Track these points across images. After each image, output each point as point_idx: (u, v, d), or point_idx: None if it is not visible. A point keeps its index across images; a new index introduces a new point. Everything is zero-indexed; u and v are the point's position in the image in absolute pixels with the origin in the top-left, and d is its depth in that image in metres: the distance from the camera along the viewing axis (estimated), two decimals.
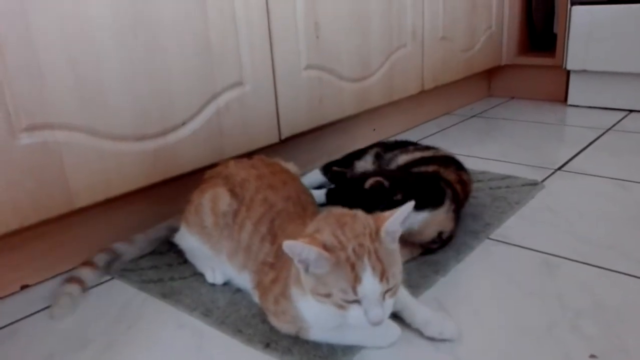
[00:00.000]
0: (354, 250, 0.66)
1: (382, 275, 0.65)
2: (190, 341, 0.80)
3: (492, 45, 2.10)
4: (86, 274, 0.97)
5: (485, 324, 0.79)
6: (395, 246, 0.70)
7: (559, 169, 1.40)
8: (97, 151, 0.95)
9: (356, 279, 0.65)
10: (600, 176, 1.33)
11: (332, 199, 1.22)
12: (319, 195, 1.23)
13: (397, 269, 0.68)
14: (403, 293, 0.80)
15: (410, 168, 1.10)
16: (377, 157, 1.23)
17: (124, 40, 0.95)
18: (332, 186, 1.27)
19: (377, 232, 0.68)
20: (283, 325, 0.78)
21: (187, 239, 0.97)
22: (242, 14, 1.14)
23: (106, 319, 0.87)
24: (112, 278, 1.00)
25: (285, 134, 1.31)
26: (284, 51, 1.25)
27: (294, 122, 1.32)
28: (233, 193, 0.91)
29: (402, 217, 0.68)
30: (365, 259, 0.65)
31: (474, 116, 2.03)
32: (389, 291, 0.67)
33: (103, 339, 0.82)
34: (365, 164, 1.25)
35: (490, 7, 2.03)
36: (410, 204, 0.69)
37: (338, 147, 1.55)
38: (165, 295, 0.92)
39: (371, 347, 0.75)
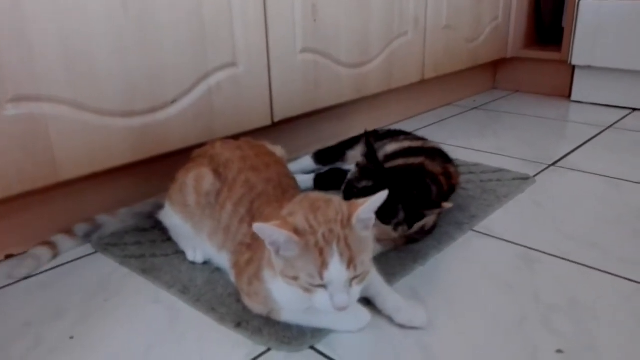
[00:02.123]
0: (323, 236, 0.66)
1: (350, 262, 0.66)
2: (164, 317, 0.81)
3: (498, 37, 2.07)
4: (62, 240, 0.99)
5: (457, 314, 0.80)
6: (367, 234, 0.70)
7: (553, 164, 1.39)
8: (84, 125, 0.96)
9: (323, 264, 0.65)
10: (594, 173, 1.32)
11: (320, 184, 1.23)
12: (308, 179, 1.24)
13: (366, 257, 0.68)
14: (376, 280, 0.81)
15: (397, 158, 1.09)
16: None
17: (114, 15, 0.95)
18: (321, 171, 1.27)
19: (349, 218, 0.68)
20: (255, 306, 0.78)
21: (171, 217, 0.98)
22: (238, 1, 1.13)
23: (85, 291, 0.88)
24: (96, 252, 1.01)
25: (279, 117, 1.30)
26: (280, 33, 1.24)
27: (288, 105, 1.32)
28: (217, 173, 0.92)
29: (374, 206, 0.68)
30: (334, 245, 0.65)
31: (475, 108, 2.01)
32: (356, 278, 0.68)
33: (79, 310, 0.83)
34: (356, 154, 1.24)
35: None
36: (384, 193, 0.68)
37: (334, 134, 1.55)
38: (145, 271, 0.93)
39: (341, 331, 0.76)
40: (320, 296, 0.67)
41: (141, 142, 1.05)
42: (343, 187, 1.00)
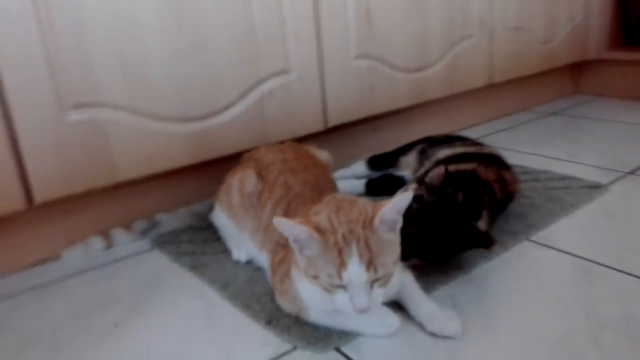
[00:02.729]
0: (343, 236, 0.65)
1: (370, 264, 0.64)
2: (203, 311, 0.84)
3: (577, 38, 1.94)
4: (118, 233, 1.07)
5: (496, 326, 0.75)
6: (392, 236, 0.69)
7: (631, 173, 1.27)
8: (141, 129, 1.02)
9: (342, 264, 0.64)
10: None
11: (372, 190, 1.22)
12: (359, 185, 1.23)
13: (388, 259, 0.66)
14: (411, 285, 0.78)
15: (449, 163, 1.05)
16: (422, 153, 1.20)
17: (169, 27, 1.01)
18: (373, 177, 1.25)
19: (372, 219, 0.66)
20: (286, 305, 0.79)
21: (218, 216, 1.02)
22: (288, 1, 1.16)
23: (137, 283, 0.94)
24: (153, 248, 1.07)
25: (332, 122, 1.31)
26: (332, 40, 1.25)
27: (342, 111, 1.32)
28: (260, 175, 0.94)
29: (398, 207, 0.67)
30: (354, 246, 0.64)
31: (553, 114, 1.89)
32: (377, 280, 0.66)
33: (128, 301, 0.88)
34: (409, 161, 1.22)
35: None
36: (409, 194, 0.67)
37: (392, 140, 1.51)
38: (194, 268, 0.97)
39: (368, 335, 0.74)
40: (340, 297, 0.66)
41: (196, 146, 1.10)
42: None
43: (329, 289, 0.66)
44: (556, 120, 1.81)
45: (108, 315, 0.84)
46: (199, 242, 1.07)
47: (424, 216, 0.83)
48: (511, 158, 1.40)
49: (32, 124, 0.90)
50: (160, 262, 1.01)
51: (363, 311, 0.65)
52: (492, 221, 0.96)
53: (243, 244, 0.97)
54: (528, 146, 1.53)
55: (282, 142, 1.04)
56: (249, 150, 1.05)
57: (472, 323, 0.75)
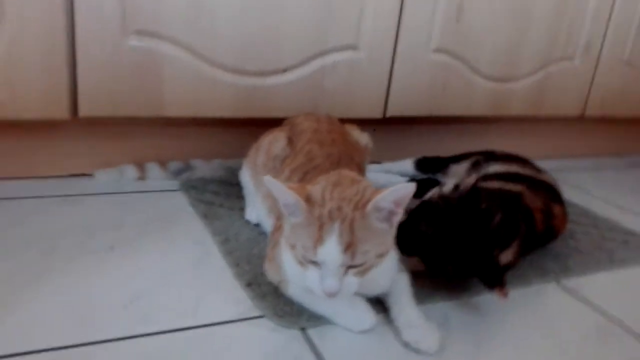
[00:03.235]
0: (329, 211, 0.61)
1: (348, 247, 0.60)
2: (195, 257, 0.84)
3: None
4: (153, 168, 1.10)
5: (479, 356, 0.67)
6: (385, 227, 0.64)
7: None
8: (195, 71, 1.03)
9: (319, 240, 0.60)
10: None
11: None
12: (399, 182, 1.17)
13: (372, 249, 0.62)
14: (402, 289, 0.73)
15: (495, 179, 0.97)
16: (475, 164, 1.11)
17: None
18: (417, 178, 1.19)
19: (366, 203, 0.62)
20: (270, 272, 0.76)
21: (243, 173, 1.01)
22: None
23: (149, 217, 0.96)
24: (178, 190, 1.09)
25: (392, 112, 1.25)
26: (414, 26, 1.19)
27: (406, 103, 1.26)
28: (290, 140, 0.92)
29: (396, 197, 0.61)
30: (337, 224, 0.60)
31: None
32: (354, 267, 0.62)
33: (133, 229, 0.90)
34: (459, 170, 1.14)
35: None
36: (412, 185, 0.61)
37: (459, 149, 1.42)
38: (205, 216, 0.97)
39: (341, 326, 0.69)
40: (312, 273, 0.63)
41: (246, 101, 1.10)
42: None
43: (303, 262, 0.63)
44: None
45: (109, 237, 0.87)
46: (221, 195, 1.07)
47: (444, 220, 0.77)
48: (577, 198, 1.28)
49: (92, 40, 0.94)
50: (179, 203, 1.03)
51: (331, 295, 0.61)
52: (522, 254, 0.87)
53: (257, 205, 0.95)
54: (603, 191, 1.37)
55: (342, 122, 1.00)
56: None
57: (455, 348, 0.69)
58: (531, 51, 1.36)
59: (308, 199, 0.62)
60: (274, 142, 0.93)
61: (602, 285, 0.89)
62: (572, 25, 1.38)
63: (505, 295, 0.72)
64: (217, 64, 1.05)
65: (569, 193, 1.32)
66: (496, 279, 0.74)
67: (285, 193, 0.62)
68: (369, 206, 0.61)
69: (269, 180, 0.62)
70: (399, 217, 0.64)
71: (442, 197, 0.81)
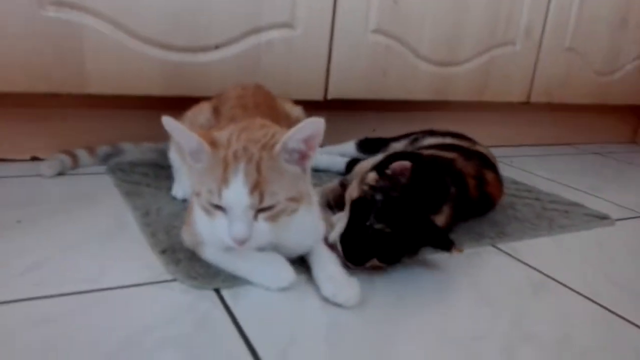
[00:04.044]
0: (234, 152, 0.57)
1: (255, 187, 0.56)
2: (109, 229, 0.78)
3: None
4: (83, 154, 1.03)
5: (402, 311, 0.64)
6: (296, 169, 0.60)
7: None
8: (119, 45, 0.99)
9: (224, 181, 0.56)
10: None
11: (351, 170, 1.12)
12: (340, 162, 1.14)
13: (281, 190, 0.58)
14: (323, 248, 0.69)
15: (429, 149, 0.94)
16: (413, 140, 1.09)
17: None
18: (357, 157, 1.16)
19: (274, 143, 0.58)
20: (185, 236, 0.71)
21: (170, 150, 0.96)
22: None
23: (68, 196, 0.90)
24: (104, 173, 1.03)
25: (333, 95, 1.23)
26: (350, 6, 1.17)
27: (347, 85, 1.24)
28: (216, 110, 0.88)
29: (304, 135, 0.58)
30: (242, 164, 0.56)
31: (597, 153, 1.71)
32: (263, 211, 0.57)
33: (47, 207, 0.84)
34: (399, 146, 1.12)
35: None
36: (319, 120, 0.58)
37: (397, 131, 1.40)
38: (128, 194, 0.92)
39: (259, 285, 0.65)
40: (219, 220, 0.58)
41: (176, 78, 1.06)
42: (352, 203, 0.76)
43: (209, 209, 0.59)
44: (597, 159, 1.63)
45: (20, 213, 0.80)
46: (150, 176, 1.02)
47: (390, 211, 0.71)
48: (522, 177, 1.27)
49: (5, 10, 0.89)
50: (102, 184, 0.97)
51: (240, 241, 0.57)
52: (456, 218, 0.84)
53: (183, 181, 0.91)
54: (551, 174, 1.37)
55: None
56: None
57: (377, 302, 0.65)
58: (472, 35, 1.36)
59: (213, 143, 0.58)
60: (198, 113, 0.90)
61: (539, 248, 0.87)
62: (512, 9, 1.39)
63: (461, 250, 0.70)
64: (142, 37, 1.00)
65: (514, 173, 1.33)
66: (447, 241, 0.71)
67: (188, 136, 0.58)
68: (277, 146, 0.57)
69: (167, 120, 0.58)
70: (311, 160, 0.61)
71: (380, 189, 0.74)
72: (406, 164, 0.71)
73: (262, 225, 0.58)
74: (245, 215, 0.57)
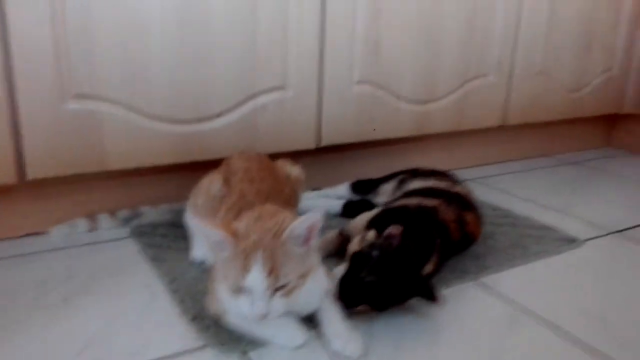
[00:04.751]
0: (253, 242, 0.70)
1: (271, 271, 0.69)
2: (143, 300, 0.91)
3: (611, 90, 1.88)
4: (103, 218, 1.17)
5: (398, 357, 0.77)
6: (303, 250, 0.73)
7: (618, 232, 1.23)
8: (133, 125, 1.11)
9: (246, 268, 0.69)
10: None
11: (348, 212, 1.25)
12: (337, 205, 1.27)
13: (292, 271, 0.71)
14: (329, 306, 0.82)
15: (414, 196, 1.07)
16: (401, 182, 1.22)
17: (170, 31, 1.10)
18: (351, 200, 1.29)
19: (283, 232, 0.71)
20: (210, 305, 0.84)
21: (187, 215, 1.09)
22: (295, 26, 1.22)
23: (100, 265, 1.02)
24: (130, 236, 1.15)
25: (325, 142, 1.35)
26: (335, 63, 1.30)
27: (337, 133, 1.36)
28: (226, 180, 1.00)
29: (307, 225, 0.71)
30: (259, 253, 0.69)
31: (574, 163, 1.84)
32: (279, 290, 0.70)
33: (85, 280, 0.97)
34: (388, 188, 1.24)
35: (613, 49, 1.82)
36: (318, 214, 0.70)
37: (389, 168, 1.53)
38: (154, 259, 1.04)
39: (278, 345, 0.78)
40: (243, 301, 0.71)
41: (184, 147, 1.18)
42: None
43: (235, 291, 0.71)
44: (574, 170, 1.77)
45: (61, 291, 0.93)
46: (170, 237, 1.14)
47: (383, 267, 0.84)
48: (500, 201, 1.40)
49: (34, 107, 1.01)
50: (128, 250, 1.10)
51: (260, 317, 0.70)
52: (442, 262, 0.97)
53: (201, 245, 1.03)
54: (528, 192, 1.50)
55: (278, 157, 1.10)
56: None
57: (377, 350, 0.78)
58: (447, 73, 1.49)
59: (234, 234, 0.71)
60: (211, 183, 1.02)
61: (516, 279, 1.00)
62: (483, 43, 1.52)
63: (442, 301, 0.83)
64: (154, 116, 1.13)
65: (493, 197, 1.45)
66: (432, 292, 0.84)
67: (212, 233, 0.71)
68: (284, 234, 0.70)
69: (196, 224, 0.71)
70: (314, 240, 0.74)
71: (376, 245, 0.86)
72: (396, 230, 0.84)
73: (278, 301, 0.71)
74: (264, 294, 0.69)
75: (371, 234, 0.89)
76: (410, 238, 0.88)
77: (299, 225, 0.70)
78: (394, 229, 0.85)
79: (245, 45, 1.18)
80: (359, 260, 0.85)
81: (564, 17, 1.67)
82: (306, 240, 0.73)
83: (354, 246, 0.90)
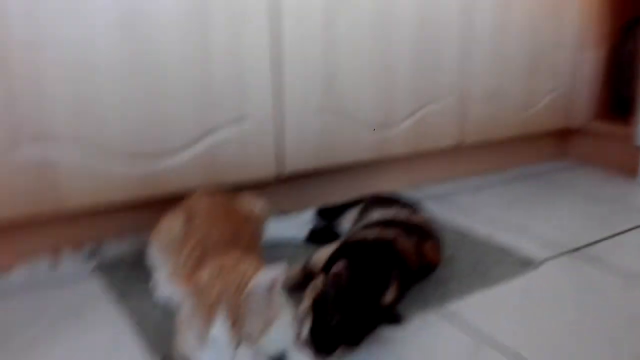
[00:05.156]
0: (216, 296, 0.71)
1: (234, 324, 0.70)
2: (110, 339, 0.91)
3: (559, 107, 1.97)
4: (66, 253, 1.16)
5: None
6: (265, 298, 0.74)
7: (574, 250, 1.29)
8: (89, 164, 1.11)
9: (209, 321, 0.70)
10: (616, 268, 1.20)
11: (313, 239, 1.27)
12: (302, 232, 1.29)
13: (256, 320, 0.72)
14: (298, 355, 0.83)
15: (374, 227, 1.10)
16: (363, 210, 1.25)
17: (123, 72, 1.10)
18: (317, 227, 1.31)
19: (245, 286, 0.72)
20: (177, 346, 0.84)
21: (150, 253, 1.09)
22: (250, 58, 1.24)
23: (64, 304, 1.02)
24: (95, 270, 1.16)
25: (288, 171, 1.37)
26: (294, 93, 1.33)
27: (299, 161, 1.38)
28: (187, 220, 1.01)
29: (265, 280, 0.73)
30: (222, 306, 0.70)
31: (530, 176, 1.91)
32: (242, 341, 0.72)
33: (50, 319, 0.96)
34: (351, 216, 1.27)
35: (557, 69, 1.91)
36: (279, 269, 0.73)
37: (354, 192, 1.56)
38: (120, 296, 1.05)
39: None
40: (208, 352, 0.72)
41: (143, 183, 1.17)
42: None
43: (200, 342, 0.72)
44: (531, 183, 1.83)
45: (27, 336, 0.92)
46: (135, 272, 1.14)
47: (343, 300, 0.86)
48: (461, 222, 1.45)
49: None
50: (94, 288, 1.09)
51: None
52: (402, 291, 1.00)
53: (164, 282, 1.03)
54: (487, 210, 1.56)
55: (240, 189, 1.11)
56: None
57: None
58: (404, 98, 1.54)
59: (197, 288, 0.72)
60: (173, 223, 1.02)
61: (476, 306, 1.04)
62: (434, 75, 1.58)
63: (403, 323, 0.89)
64: (109, 154, 1.12)
65: (452, 216, 1.49)
66: (395, 316, 0.90)
67: (178, 292, 0.72)
68: (247, 289, 0.72)
69: (165, 291, 0.72)
70: (277, 289, 0.75)
71: (324, 287, 0.89)
72: (340, 266, 0.87)
73: (244, 351, 0.72)
74: (229, 346, 0.71)
75: (319, 280, 0.92)
76: (361, 270, 0.91)
77: (260, 280, 0.72)
78: (337, 266, 0.88)
79: (200, 80, 1.19)
80: (320, 307, 0.87)
81: (512, 42, 1.74)
82: (269, 290, 0.74)
83: (311, 294, 0.91)
